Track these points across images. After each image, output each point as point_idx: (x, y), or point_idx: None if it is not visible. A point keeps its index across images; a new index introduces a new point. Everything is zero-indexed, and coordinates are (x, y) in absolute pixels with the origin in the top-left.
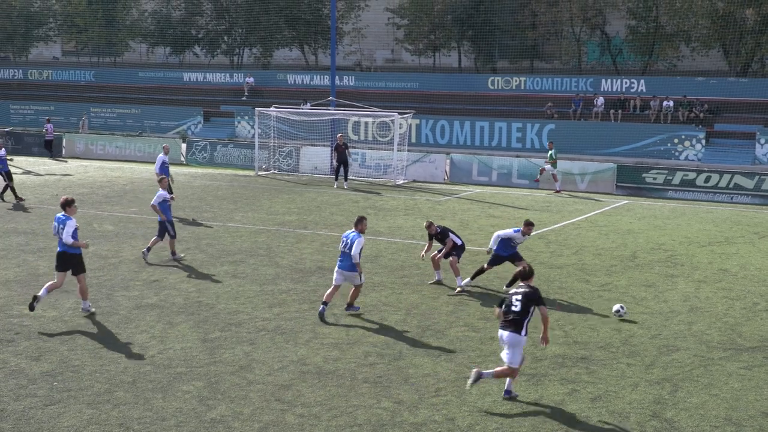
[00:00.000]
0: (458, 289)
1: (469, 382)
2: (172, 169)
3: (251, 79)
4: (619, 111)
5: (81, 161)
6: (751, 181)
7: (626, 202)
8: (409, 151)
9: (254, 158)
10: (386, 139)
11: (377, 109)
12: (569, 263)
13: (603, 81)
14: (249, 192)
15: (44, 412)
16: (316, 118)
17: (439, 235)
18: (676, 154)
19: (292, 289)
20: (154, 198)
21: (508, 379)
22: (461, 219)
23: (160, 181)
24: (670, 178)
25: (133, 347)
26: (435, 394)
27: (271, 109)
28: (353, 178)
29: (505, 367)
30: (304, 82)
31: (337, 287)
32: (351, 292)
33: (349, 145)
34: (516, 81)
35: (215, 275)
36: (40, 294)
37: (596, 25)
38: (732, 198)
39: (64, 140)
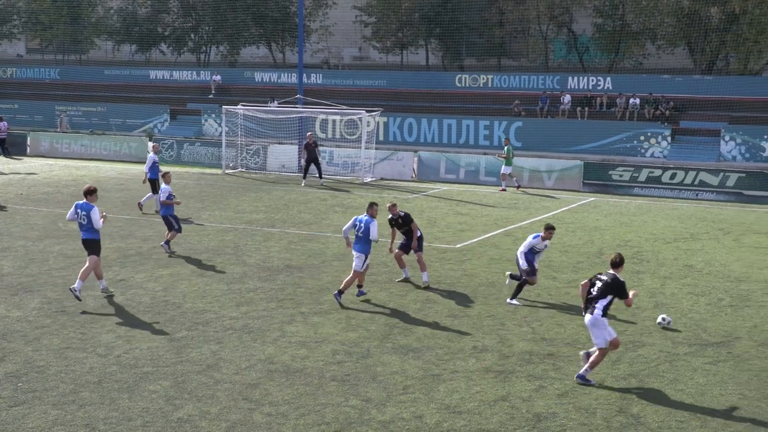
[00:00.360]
0: (426, 284)
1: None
2: (139, 168)
3: (218, 77)
4: (586, 108)
5: (46, 160)
6: (716, 178)
7: (593, 199)
8: (376, 148)
9: (221, 156)
10: (354, 137)
11: (345, 107)
12: None
13: (570, 79)
14: (216, 190)
15: (8, 413)
16: (283, 116)
17: (401, 219)
18: (642, 151)
19: (259, 288)
20: (161, 194)
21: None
22: (429, 217)
23: (163, 176)
24: (636, 175)
25: (99, 347)
26: (403, 391)
27: (239, 107)
28: (315, 176)
29: (595, 352)
30: (272, 80)
31: (359, 273)
32: (348, 279)
33: (318, 143)
34: (483, 79)
35: (182, 274)
36: (75, 287)
37: (563, 23)
38: (697, 195)
39: (28, 138)
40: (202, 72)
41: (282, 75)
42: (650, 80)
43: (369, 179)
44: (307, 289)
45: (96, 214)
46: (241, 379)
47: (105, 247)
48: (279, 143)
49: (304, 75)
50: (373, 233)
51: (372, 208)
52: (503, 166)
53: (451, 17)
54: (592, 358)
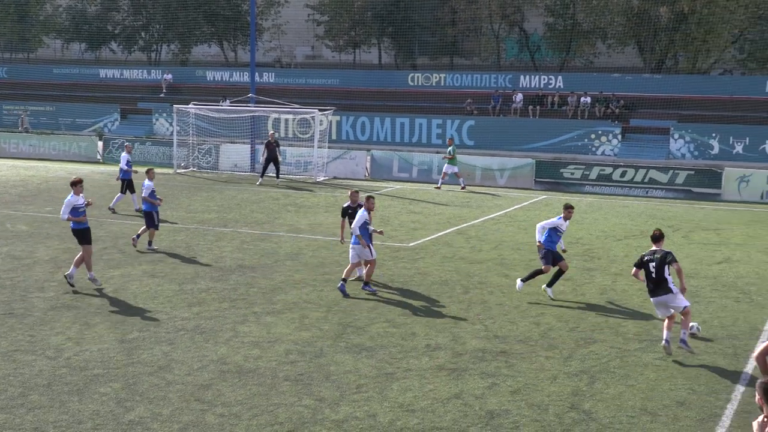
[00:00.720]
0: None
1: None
2: (88, 168)
3: (169, 76)
4: (538, 107)
5: None
6: (666, 176)
7: (545, 197)
8: (329, 147)
9: (173, 156)
10: (307, 135)
11: (297, 106)
12: (489, 258)
13: (521, 77)
14: (167, 190)
15: None
16: (235, 115)
17: (359, 209)
18: (593, 149)
19: (211, 288)
20: (144, 190)
21: (682, 330)
22: (382, 215)
23: (147, 172)
24: (587, 173)
25: (48, 349)
26: (356, 390)
27: (190, 106)
28: (272, 175)
29: (685, 313)
30: (224, 79)
31: (353, 264)
32: (366, 270)
33: (279, 142)
34: (436, 77)
35: (133, 275)
36: (69, 271)
37: (515, 22)
38: (647, 192)
39: None
40: (153, 71)
41: (234, 74)
42: (601, 79)
43: (322, 178)
44: (259, 288)
45: (65, 206)
46: (194, 380)
47: (54, 248)
48: (231, 142)
49: (257, 74)
50: (354, 225)
51: (368, 201)
52: (446, 165)
53: (404, 16)
54: (685, 320)
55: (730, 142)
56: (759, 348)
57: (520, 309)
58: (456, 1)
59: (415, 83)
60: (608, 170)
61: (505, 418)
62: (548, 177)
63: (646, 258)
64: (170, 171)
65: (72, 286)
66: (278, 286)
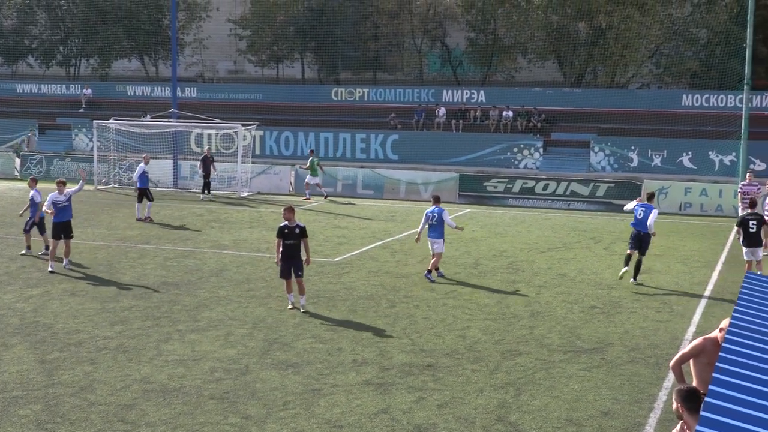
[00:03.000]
0: (303, 307)
1: None
2: (4, 185)
3: (89, 91)
4: (461, 121)
5: None
6: (587, 188)
7: (468, 210)
8: (253, 162)
9: (93, 172)
10: (230, 151)
11: (220, 121)
12: (414, 272)
13: (444, 92)
14: (88, 207)
15: None
16: (157, 131)
17: (298, 229)
18: (516, 162)
19: (134, 306)
20: (136, 173)
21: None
22: (307, 230)
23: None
24: (510, 186)
25: None
26: (283, 407)
27: (111, 121)
28: (196, 191)
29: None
30: (145, 94)
31: (437, 254)
32: (433, 260)
33: (215, 158)
34: (359, 92)
35: (53, 293)
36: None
37: (437, 37)
38: (569, 205)
39: None
40: (72, 85)
41: (155, 88)
42: (522, 93)
43: (246, 193)
44: (183, 306)
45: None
46: (117, 401)
47: None
48: (153, 158)
49: (179, 88)
50: (448, 220)
51: (437, 201)
52: (308, 176)
53: (327, 31)
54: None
55: (649, 155)
56: (675, 357)
57: (446, 322)
58: (378, 16)
59: (339, 98)
60: (531, 183)
61: None
62: (472, 190)
63: (747, 218)
64: (91, 187)
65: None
66: (202, 303)
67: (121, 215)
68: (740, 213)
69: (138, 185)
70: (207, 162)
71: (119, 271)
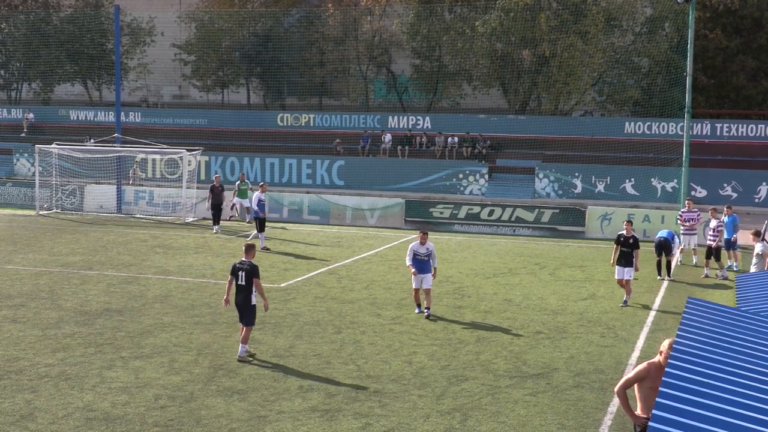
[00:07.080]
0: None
1: None
2: None
3: (31, 115)
4: (406, 147)
5: None
6: (532, 214)
7: (415, 236)
8: (198, 188)
9: (35, 197)
10: (175, 176)
11: (165, 146)
12: (360, 297)
13: (390, 118)
14: (29, 233)
15: None
16: (100, 156)
17: (248, 267)
18: (461, 188)
19: (77, 333)
20: (254, 201)
21: None
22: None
23: (260, 186)
24: (456, 212)
25: None
26: None
27: (53, 145)
28: (141, 216)
29: None
30: (88, 118)
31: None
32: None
33: (224, 187)
34: (305, 118)
35: None
36: None
37: (382, 63)
38: (514, 231)
39: None
40: (13, 110)
41: (99, 113)
42: (467, 120)
43: (191, 219)
44: (127, 332)
45: None
46: (58, 429)
47: None
48: (96, 183)
49: (123, 113)
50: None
51: (424, 236)
52: (235, 198)
53: (272, 57)
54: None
55: (593, 182)
56: (620, 382)
57: (392, 348)
58: (324, 42)
59: (285, 123)
60: (476, 209)
61: None
62: (418, 216)
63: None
64: (32, 213)
65: None
66: (146, 329)
67: (63, 241)
68: (682, 239)
69: (257, 213)
70: (216, 191)
71: (61, 297)
